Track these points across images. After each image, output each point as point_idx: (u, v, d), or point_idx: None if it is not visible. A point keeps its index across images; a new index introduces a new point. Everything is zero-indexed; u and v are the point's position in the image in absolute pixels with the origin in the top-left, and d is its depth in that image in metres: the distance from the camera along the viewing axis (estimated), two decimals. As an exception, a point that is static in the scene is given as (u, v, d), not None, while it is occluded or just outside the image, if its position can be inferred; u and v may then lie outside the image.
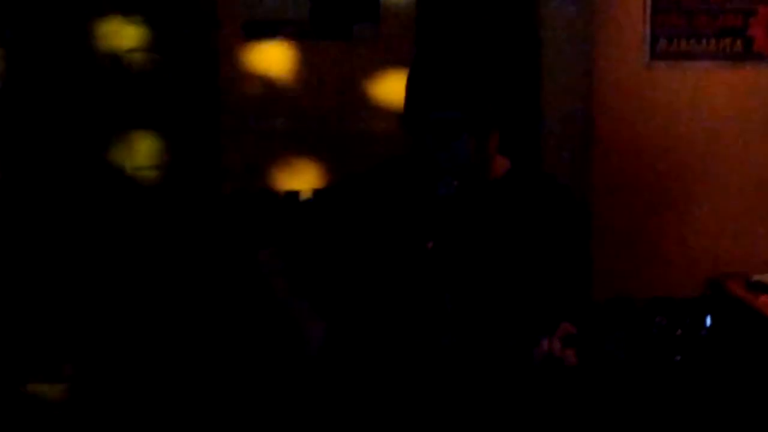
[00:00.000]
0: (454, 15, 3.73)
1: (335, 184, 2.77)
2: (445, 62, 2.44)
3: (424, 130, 2.44)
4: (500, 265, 2.51)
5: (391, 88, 3.66)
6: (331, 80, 3.70)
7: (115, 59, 3.64)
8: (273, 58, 3.70)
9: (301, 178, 3.71)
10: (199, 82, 3.70)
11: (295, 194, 3.70)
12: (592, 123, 3.66)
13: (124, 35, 3.63)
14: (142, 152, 3.72)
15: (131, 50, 3.67)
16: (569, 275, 2.55)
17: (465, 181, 2.47)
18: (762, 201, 3.67)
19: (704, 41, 3.62)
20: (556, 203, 2.56)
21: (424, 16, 3.72)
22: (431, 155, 2.47)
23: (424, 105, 2.42)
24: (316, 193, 2.74)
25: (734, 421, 3.27)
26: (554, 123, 3.70)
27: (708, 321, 2.45)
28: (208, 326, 3.69)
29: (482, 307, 2.49)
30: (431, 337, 2.45)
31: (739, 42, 3.62)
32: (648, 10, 3.62)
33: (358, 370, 2.51)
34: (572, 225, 2.57)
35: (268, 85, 3.71)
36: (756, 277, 3.32)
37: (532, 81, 3.68)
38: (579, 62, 3.66)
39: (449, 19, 3.73)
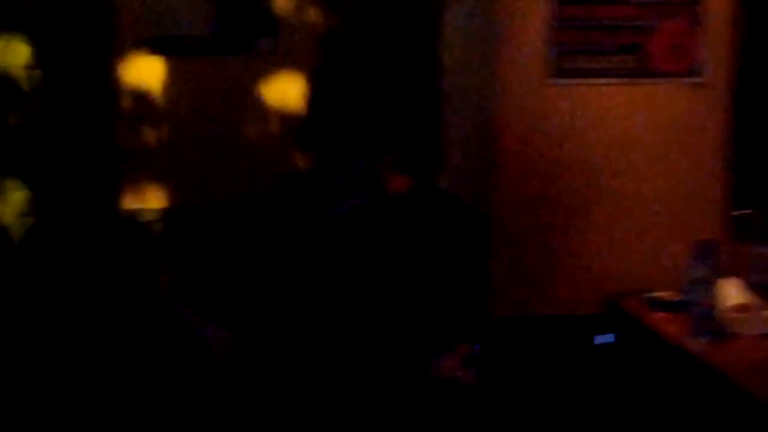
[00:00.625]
0: (356, 35, 3.72)
1: (234, 203, 2.74)
2: (340, 85, 2.51)
3: (319, 151, 2.48)
4: (397, 282, 2.52)
5: (292, 100, 3.63)
6: (233, 94, 3.66)
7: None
8: (175, 73, 3.65)
9: (205, 192, 3.66)
10: (96, 98, 3.65)
11: (194, 210, 3.66)
12: (494, 140, 3.64)
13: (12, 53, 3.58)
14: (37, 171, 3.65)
15: (21, 68, 3.61)
16: (467, 291, 2.58)
17: (361, 201, 2.50)
18: (660, 217, 3.68)
19: (603, 58, 3.63)
20: (455, 220, 2.60)
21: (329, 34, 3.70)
22: (327, 175, 2.49)
23: (320, 126, 2.50)
24: (215, 211, 2.74)
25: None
26: (456, 140, 3.70)
27: (606, 338, 2.46)
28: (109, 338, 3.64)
29: (378, 326, 2.49)
30: (321, 355, 2.44)
31: (637, 58, 3.63)
32: (548, 28, 3.61)
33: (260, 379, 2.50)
34: (470, 241, 2.62)
35: (170, 100, 3.66)
36: (652, 294, 3.32)
37: (433, 100, 3.66)
38: (481, 80, 3.66)
39: (351, 40, 3.72)
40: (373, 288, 2.53)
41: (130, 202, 3.70)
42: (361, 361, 2.45)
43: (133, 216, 3.70)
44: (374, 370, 2.46)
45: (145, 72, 3.67)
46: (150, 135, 3.69)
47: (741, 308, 3.00)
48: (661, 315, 3.18)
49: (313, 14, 3.66)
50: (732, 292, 3.00)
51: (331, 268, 2.47)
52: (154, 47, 3.68)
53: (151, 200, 3.68)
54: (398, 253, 2.56)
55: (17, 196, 3.68)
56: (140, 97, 3.68)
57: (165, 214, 3.70)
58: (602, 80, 3.64)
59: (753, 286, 3.13)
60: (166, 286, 2.66)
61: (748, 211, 3.65)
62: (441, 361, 2.41)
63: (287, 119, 3.67)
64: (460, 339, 2.47)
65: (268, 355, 2.51)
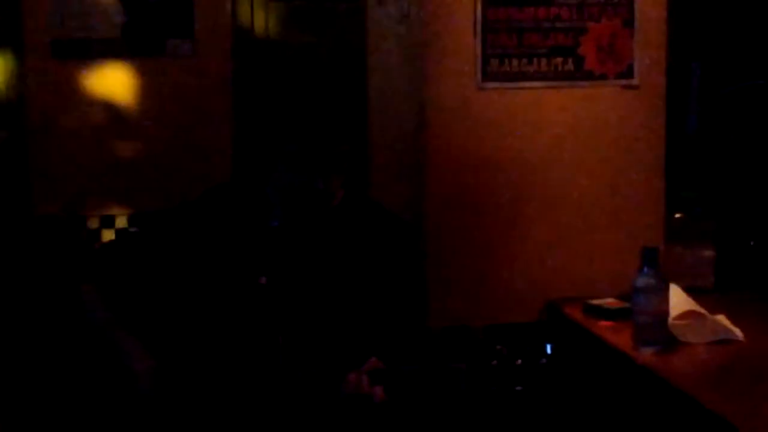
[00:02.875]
0: (276, 39, 3.62)
1: (162, 216, 2.73)
2: (273, 92, 2.66)
3: (276, 161, 2.46)
4: (333, 297, 2.50)
5: (213, 105, 3.52)
6: (146, 98, 3.54)
7: None
8: (84, 77, 3.51)
9: (121, 201, 3.52)
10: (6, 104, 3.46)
11: (113, 219, 3.51)
12: (424, 147, 3.55)
13: None
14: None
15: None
16: (399, 302, 2.57)
17: (304, 214, 2.48)
18: (598, 221, 3.63)
19: (536, 61, 3.57)
20: (385, 232, 2.62)
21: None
22: (273, 187, 2.47)
23: (264, 138, 2.50)
24: (143, 223, 2.68)
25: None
26: (384, 148, 3.62)
27: (548, 349, 2.41)
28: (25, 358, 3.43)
29: (316, 341, 2.46)
30: (263, 372, 2.40)
31: (570, 61, 3.58)
32: (478, 30, 3.54)
33: (190, 406, 2.43)
34: (400, 252, 2.62)
35: (79, 104, 3.52)
36: (593, 302, 3.27)
37: (360, 106, 3.56)
38: (409, 85, 3.58)
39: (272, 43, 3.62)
40: (314, 303, 2.48)
41: (44, 208, 3.53)
42: (303, 380, 2.39)
43: (47, 222, 3.53)
44: (314, 387, 2.40)
45: (53, 76, 3.51)
46: (62, 140, 3.53)
47: (686, 316, 2.96)
48: (604, 323, 3.14)
49: (229, 17, 3.55)
50: (676, 300, 2.95)
51: (275, 282, 2.37)
52: (62, 51, 3.52)
53: (68, 208, 3.53)
54: (336, 266, 2.53)
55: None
56: (49, 102, 3.51)
57: (81, 220, 3.54)
58: (534, 83, 3.58)
59: (687, 291, 3.10)
60: (89, 300, 2.55)
61: (679, 215, 3.63)
62: (349, 378, 2.38)
63: (208, 125, 3.54)
64: (398, 354, 2.44)
65: (193, 384, 2.43)
